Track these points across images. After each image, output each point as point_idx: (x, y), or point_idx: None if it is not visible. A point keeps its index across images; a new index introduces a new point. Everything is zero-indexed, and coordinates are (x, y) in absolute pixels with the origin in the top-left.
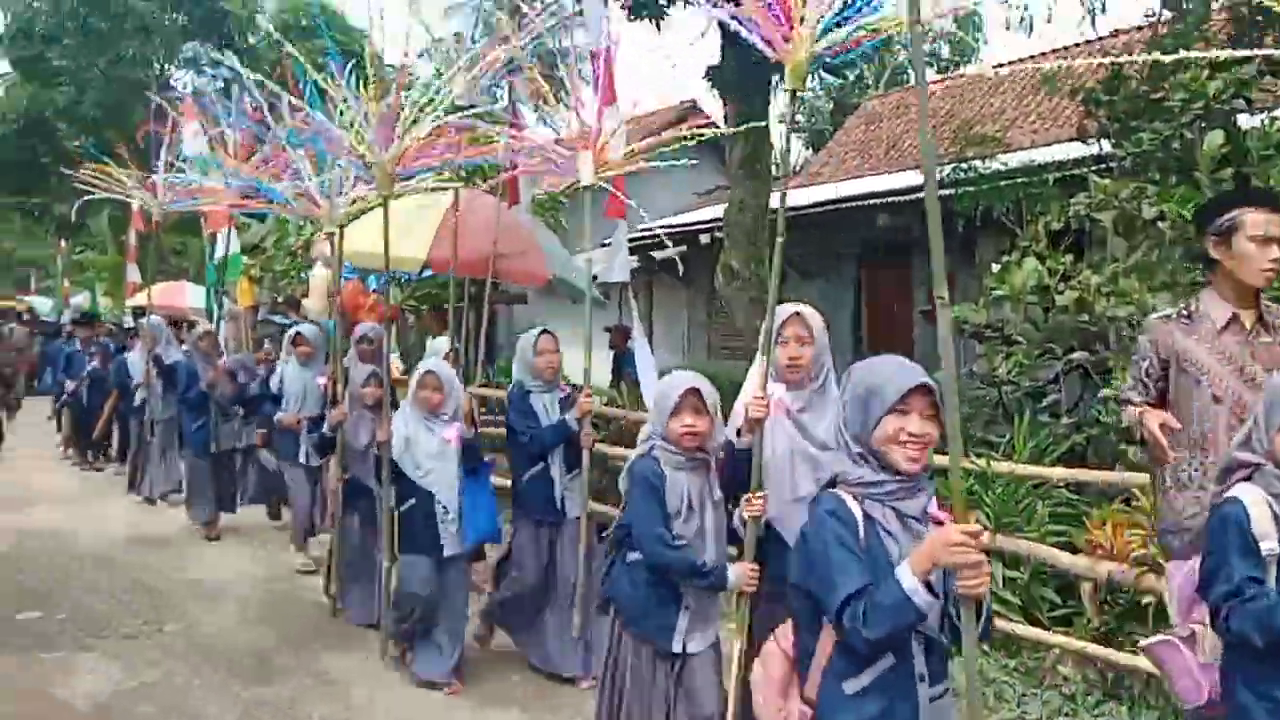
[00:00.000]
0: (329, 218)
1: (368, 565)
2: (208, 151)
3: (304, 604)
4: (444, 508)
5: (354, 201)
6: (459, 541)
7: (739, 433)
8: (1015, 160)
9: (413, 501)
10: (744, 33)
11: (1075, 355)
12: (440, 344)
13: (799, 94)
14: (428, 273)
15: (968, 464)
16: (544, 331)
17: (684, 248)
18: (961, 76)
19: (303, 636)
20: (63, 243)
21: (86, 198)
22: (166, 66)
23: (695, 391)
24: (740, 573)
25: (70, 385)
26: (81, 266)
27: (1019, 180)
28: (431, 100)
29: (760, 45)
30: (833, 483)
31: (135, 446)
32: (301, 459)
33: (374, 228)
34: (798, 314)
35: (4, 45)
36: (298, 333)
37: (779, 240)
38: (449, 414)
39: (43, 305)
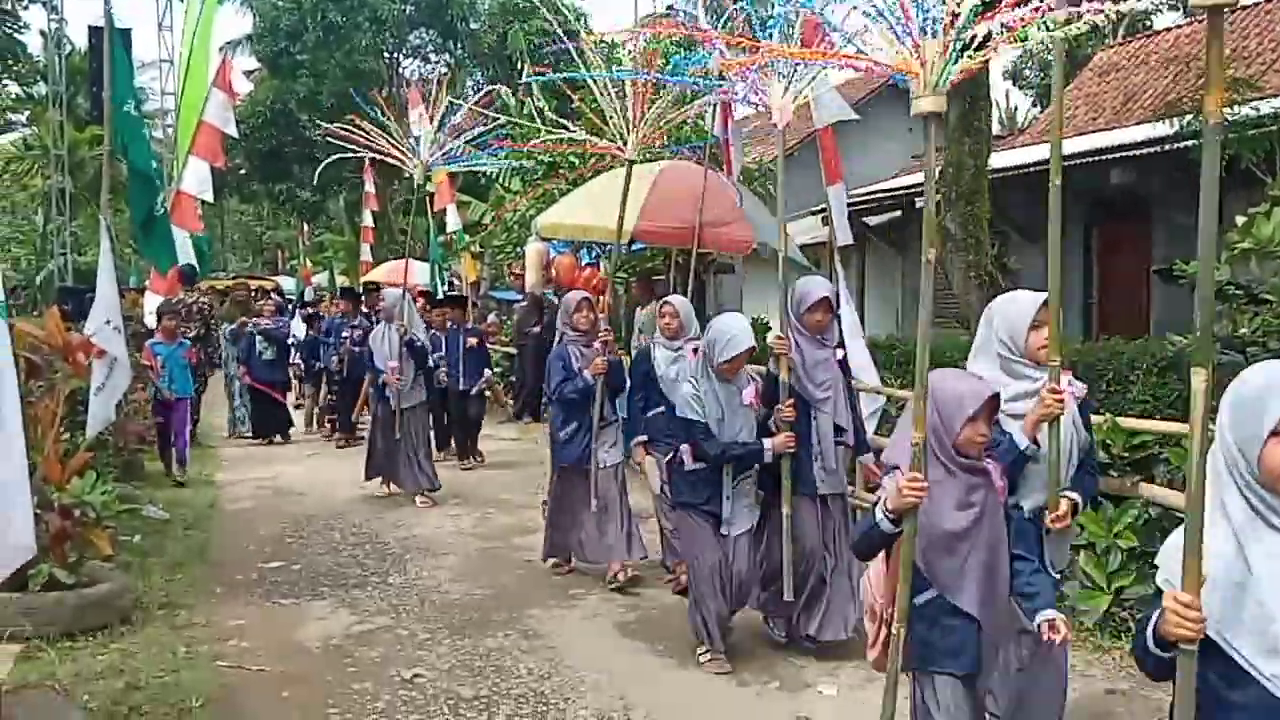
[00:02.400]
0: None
1: None
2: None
3: (516, 564)
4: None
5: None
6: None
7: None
8: (1268, 107)
9: (930, 595)
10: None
11: None
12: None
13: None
14: (637, 245)
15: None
16: None
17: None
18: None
19: (515, 594)
20: (305, 226)
21: (333, 155)
22: (395, 56)
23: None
24: None
25: (334, 358)
26: (321, 247)
27: (1271, 126)
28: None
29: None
30: None
31: (377, 434)
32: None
33: (575, 203)
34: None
35: (254, 44)
36: (666, 303)
37: None
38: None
39: (287, 283)
